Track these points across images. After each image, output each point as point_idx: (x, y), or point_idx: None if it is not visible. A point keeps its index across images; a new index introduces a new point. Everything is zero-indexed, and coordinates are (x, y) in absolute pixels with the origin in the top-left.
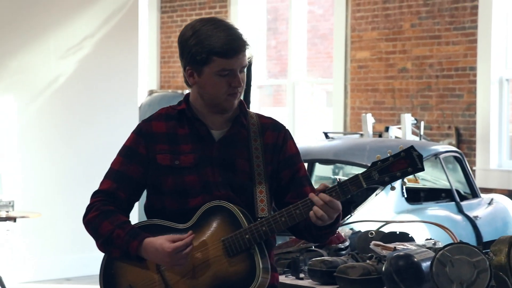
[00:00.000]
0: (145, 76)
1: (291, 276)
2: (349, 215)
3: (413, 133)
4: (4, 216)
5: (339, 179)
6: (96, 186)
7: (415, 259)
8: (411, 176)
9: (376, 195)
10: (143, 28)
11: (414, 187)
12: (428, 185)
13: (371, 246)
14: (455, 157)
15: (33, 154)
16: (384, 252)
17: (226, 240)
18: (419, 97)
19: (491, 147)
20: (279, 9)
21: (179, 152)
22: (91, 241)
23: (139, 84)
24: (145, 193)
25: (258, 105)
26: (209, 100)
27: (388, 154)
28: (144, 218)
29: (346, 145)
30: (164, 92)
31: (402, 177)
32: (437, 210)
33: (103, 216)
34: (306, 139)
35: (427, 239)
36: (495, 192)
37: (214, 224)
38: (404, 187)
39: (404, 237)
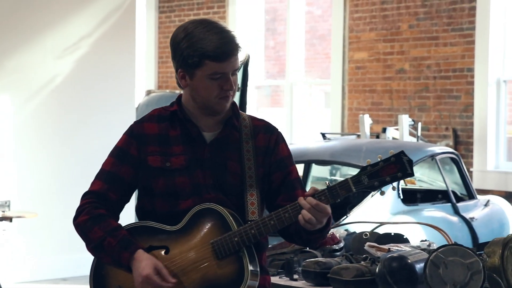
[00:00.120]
0: (143, 76)
1: (285, 277)
2: (345, 216)
3: (411, 134)
4: (0, 216)
5: (328, 183)
6: None
7: (409, 261)
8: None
9: (372, 196)
10: (141, 28)
11: (411, 188)
12: (425, 186)
13: (366, 247)
14: (452, 159)
15: (30, 153)
16: (379, 254)
17: (215, 242)
18: (417, 98)
19: (489, 149)
20: (277, 10)
21: (170, 154)
22: None
23: (137, 84)
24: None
25: (256, 105)
26: (201, 102)
27: (378, 159)
28: None
29: (342, 146)
30: (162, 92)
31: (391, 182)
32: (433, 212)
33: (93, 221)
34: (303, 140)
35: (422, 241)
36: (492, 194)
37: (204, 227)
38: (400, 188)
39: (399, 239)
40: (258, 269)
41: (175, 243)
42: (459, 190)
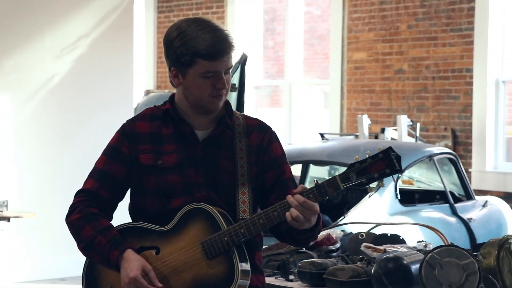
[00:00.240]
0: (141, 76)
1: (280, 278)
2: (343, 217)
3: (409, 134)
4: None
5: (316, 181)
6: None
7: (404, 262)
8: (405, 178)
9: (370, 196)
10: (140, 28)
11: (408, 188)
12: (422, 187)
13: (362, 248)
14: (450, 159)
15: (28, 153)
16: (375, 254)
17: (205, 242)
18: (416, 99)
19: (487, 149)
20: (276, 10)
21: (163, 152)
22: None
23: (135, 84)
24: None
25: (255, 105)
26: (193, 101)
27: (367, 155)
28: None
29: (340, 146)
30: (161, 92)
31: (379, 178)
32: (431, 212)
33: (85, 219)
34: (301, 140)
35: (419, 241)
36: (491, 194)
37: (194, 227)
38: (398, 189)
39: (396, 239)
40: (249, 269)
41: (166, 243)
42: (457, 190)
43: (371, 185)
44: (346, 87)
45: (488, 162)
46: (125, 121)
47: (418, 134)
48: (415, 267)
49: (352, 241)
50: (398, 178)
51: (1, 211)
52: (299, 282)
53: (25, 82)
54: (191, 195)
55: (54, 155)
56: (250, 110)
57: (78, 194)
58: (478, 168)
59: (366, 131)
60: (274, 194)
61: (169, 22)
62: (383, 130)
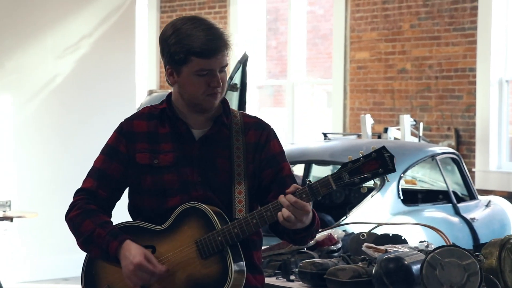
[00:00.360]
0: (144, 76)
1: (281, 278)
2: (345, 217)
3: (412, 134)
4: (1, 216)
5: (309, 180)
6: None
7: (405, 262)
8: (408, 178)
9: (372, 196)
10: (143, 28)
11: (411, 188)
12: (425, 186)
13: (363, 248)
14: (453, 159)
15: (30, 153)
16: (376, 255)
17: (199, 242)
18: (419, 98)
19: (491, 149)
20: (279, 9)
21: (159, 151)
22: None
23: (137, 84)
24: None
25: (258, 105)
26: (188, 99)
27: (360, 155)
28: None
29: (342, 146)
30: (164, 92)
31: (372, 178)
32: (434, 212)
33: (84, 214)
34: (304, 139)
35: (421, 242)
36: (495, 194)
37: (189, 226)
38: (400, 188)
39: (397, 239)
40: (244, 268)
41: (162, 242)
42: (460, 190)
43: (363, 185)
44: (349, 86)
45: (491, 162)
46: (121, 120)
47: (421, 134)
48: (416, 268)
49: (354, 241)
50: (400, 178)
51: (4, 211)
52: (300, 282)
53: (26, 82)
54: (188, 194)
55: (56, 155)
56: (253, 109)
57: (78, 193)
58: (481, 168)
59: (369, 130)
60: (273, 192)
61: None
62: (386, 130)
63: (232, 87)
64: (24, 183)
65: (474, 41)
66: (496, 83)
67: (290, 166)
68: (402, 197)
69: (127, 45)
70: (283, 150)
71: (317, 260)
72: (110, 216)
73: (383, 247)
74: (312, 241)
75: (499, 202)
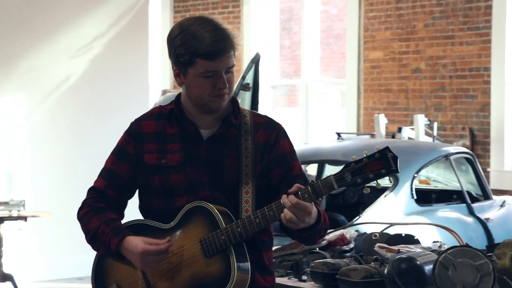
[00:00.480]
0: (158, 76)
1: (293, 278)
2: (358, 217)
3: (426, 134)
4: (15, 215)
5: (312, 180)
6: None
7: (418, 262)
8: (422, 178)
9: (385, 196)
10: (156, 28)
11: (425, 188)
12: (439, 186)
13: (376, 248)
14: (467, 159)
15: (44, 153)
16: (389, 255)
17: (204, 240)
18: (433, 98)
19: (506, 148)
20: (293, 9)
21: (167, 151)
22: None
23: (151, 84)
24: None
25: (272, 105)
26: (195, 100)
27: (364, 155)
28: None
29: (356, 145)
30: (178, 91)
31: (375, 179)
32: (448, 212)
33: (92, 212)
34: (317, 139)
35: (434, 242)
36: (510, 194)
37: (194, 225)
38: (414, 188)
39: (410, 240)
40: (249, 268)
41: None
42: (474, 190)
43: (366, 186)
44: (362, 86)
45: (506, 162)
46: (133, 120)
47: (435, 134)
48: (428, 268)
49: (366, 241)
50: (413, 178)
51: (19, 211)
52: (312, 282)
53: (40, 82)
54: (195, 194)
55: (69, 155)
56: (267, 109)
57: (89, 191)
58: (496, 168)
59: (383, 130)
60: (282, 192)
61: None
62: (400, 130)
63: (245, 87)
64: (38, 183)
65: (489, 40)
66: (511, 82)
67: (303, 166)
68: (415, 197)
69: (140, 45)
70: (293, 150)
71: (329, 260)
72: (122, 215)
73: (395, 247)
74: (324, 241)
75: None
